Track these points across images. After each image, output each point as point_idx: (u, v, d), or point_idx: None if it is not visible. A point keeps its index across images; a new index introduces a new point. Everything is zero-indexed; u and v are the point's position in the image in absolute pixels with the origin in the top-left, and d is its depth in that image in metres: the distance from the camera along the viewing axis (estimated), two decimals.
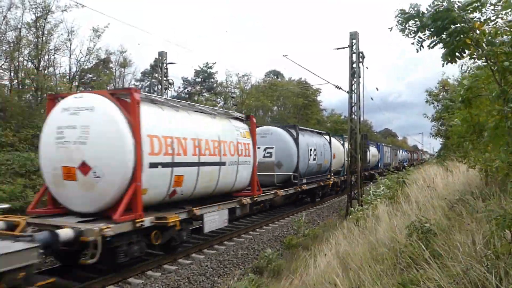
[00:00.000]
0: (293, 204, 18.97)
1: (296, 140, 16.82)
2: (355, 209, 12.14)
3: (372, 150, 34.28)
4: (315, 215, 17.49)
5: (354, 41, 18.24)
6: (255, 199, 12.89)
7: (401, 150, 56.83)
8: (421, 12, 4.76)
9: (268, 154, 16.46)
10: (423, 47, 4.91)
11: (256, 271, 8.90)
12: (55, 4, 22.95)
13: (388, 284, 4.33)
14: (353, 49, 18.27)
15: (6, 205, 7.99)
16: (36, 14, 22.65)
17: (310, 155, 18.29)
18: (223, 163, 10.90)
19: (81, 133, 7.76)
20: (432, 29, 4.63)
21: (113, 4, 73.37)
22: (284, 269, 8.46)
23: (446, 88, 24.10)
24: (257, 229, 13.82)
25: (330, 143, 22.14)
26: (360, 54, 18.31)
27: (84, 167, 7.69)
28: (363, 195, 14.85)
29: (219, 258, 10.00)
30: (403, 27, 4.95)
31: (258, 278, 7.99)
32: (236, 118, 12.77)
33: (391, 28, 5.10)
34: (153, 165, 8.35)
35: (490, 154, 5.84)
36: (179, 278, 8.46)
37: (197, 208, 9.72)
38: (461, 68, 5.80)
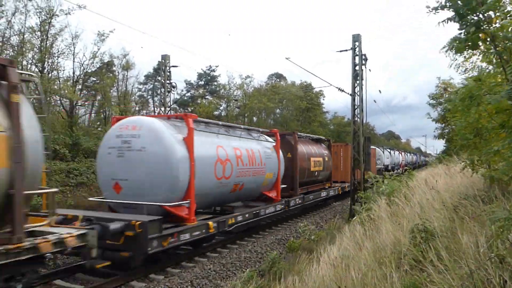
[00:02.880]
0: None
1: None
2: (359, 209, 12.12)
3: (415, 156, 69.21)
4: (318, 218, 17.47)
5: (356, 43, 18.25)
6: None
7: (421, 156, 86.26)
8: None
9: None
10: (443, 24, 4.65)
11: (259, 273, 8.88)
12: (59, 8, 22.98)
13: (392, 287, 4.32)
14: (356, 51, 18.29)
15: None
16: (40, 18, 22.80)
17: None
18: None
19: None
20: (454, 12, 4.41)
21: (116, 7, 73.77)
22: (287, 272, 8.43)
23: (447, 89, 23.94)
24: (260, 232, 13.80)
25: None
26: (363, 57, 18.33)
27: None
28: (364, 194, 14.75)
29: (222, 261, 9.99)
30: None
31: (262, 281, 7.98)
32: None
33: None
34: None
35: (494, 157, 5.81)
36: (182, 281, 8.45)
37: None
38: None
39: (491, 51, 4.54)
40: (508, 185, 5.96)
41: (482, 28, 4.26)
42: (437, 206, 7.00)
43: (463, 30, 4.38)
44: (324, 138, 22.99)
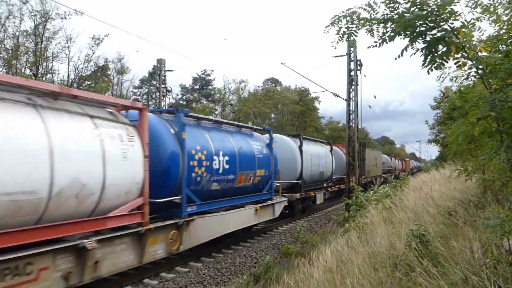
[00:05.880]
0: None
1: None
2: (348, 216, 12.27)
3: (418, 163, 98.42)
4: (313, 222, 17.46)
5: (352, 49, 18.37)
6: None
7: (422, 162, 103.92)
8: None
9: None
10: (402, 56, 4.45)
11: (253, 278, 8.84)
12: (55, 11, 22.95)
13: None
14: (351, 57, 18.41)
15: None
16: (35, 22, 22.75)
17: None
18: None
19: None
20: (405, 35, 4.25)
21: (112, 11, 73.75)
22: (282, 277, 8.40)
23: (446, 96, 24.23)
24: (255, 237, 13.77)
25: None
26: (358, 62, 18.45)
27: None
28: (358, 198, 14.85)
29: (216, 266, 9.95)
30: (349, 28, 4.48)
31: (255, 286, 7.94)
32: None
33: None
34: None
35: (486, 164, 5.84)
36: (176, 287, 8.41)
37: None
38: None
39: (466, 65, 4.43)
40: (501, 191, 6.00)
41: (448, 41, 4.09)
42: (432, 211, 7.03)
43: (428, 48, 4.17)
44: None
